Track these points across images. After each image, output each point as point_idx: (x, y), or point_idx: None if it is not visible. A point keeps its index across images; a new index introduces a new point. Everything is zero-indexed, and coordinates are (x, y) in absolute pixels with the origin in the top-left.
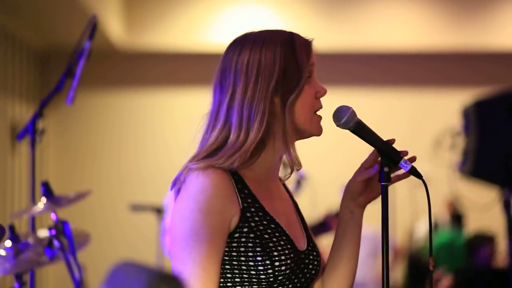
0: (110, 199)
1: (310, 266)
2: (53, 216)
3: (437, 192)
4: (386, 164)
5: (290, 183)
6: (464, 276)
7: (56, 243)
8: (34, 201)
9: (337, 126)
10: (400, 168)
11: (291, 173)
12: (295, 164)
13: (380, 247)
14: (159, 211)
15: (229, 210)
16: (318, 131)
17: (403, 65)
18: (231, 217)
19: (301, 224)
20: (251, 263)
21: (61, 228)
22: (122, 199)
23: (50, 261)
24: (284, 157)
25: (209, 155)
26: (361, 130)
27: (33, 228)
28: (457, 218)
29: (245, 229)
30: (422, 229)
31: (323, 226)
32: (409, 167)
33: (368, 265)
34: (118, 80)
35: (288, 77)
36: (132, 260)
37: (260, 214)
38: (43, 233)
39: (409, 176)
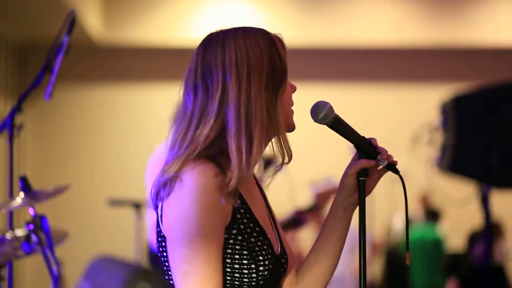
0: (89, 194)
1: (281, 269)
2: (31, 211)
3: (415, 187)
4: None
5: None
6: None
7: (34, 237)
8: (12, 195)
9: (315, 121)
10: (378, 164)
11: (281, 166)
12: (288, 156)
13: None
14: (137, 206)
15: (226, 209)
16: (293, 127)
17: (383, 60)
18: (227, 216)
19: (272, 224)
20: (237, 266)
21: (39, 223)
22: (100, 194)
23: (28, 255)
24: (275, 149)
25: (203, 151)
26: (339, 126)
27: (11, 223)
28: (431, 213)
29: (234, 231)
30: (399, 224)
31: (295, 221)
32: (386, 162)
33: (346, 260)
34: (98, 75)
35: (275, 70)
36: (110, 255)
37: (248, 216)
38: (21, 229)
39: (387, 171)
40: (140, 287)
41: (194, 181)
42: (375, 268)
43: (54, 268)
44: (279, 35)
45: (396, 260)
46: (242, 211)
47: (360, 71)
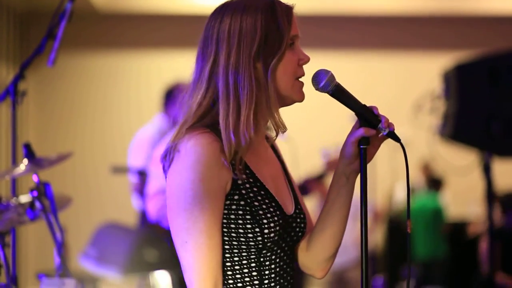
0: (92, 161)
1: (297, 229)
2: (34, 177)
3: (417, 156)
4: (364, 127)
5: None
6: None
7: (38, 204)
8: (15, 163)
9: (316, 89)
10: (379, 132)
11: (276, 136)
12: (280, 128)
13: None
14: (140, 173)
15: (224, 177)
16: (300, 97)
17: (384, 28)
18: (225, 183)
19: (288, 186)
20: (241, 230)
21: (42, 190)
22: (103, 160)
23: (32, 222)
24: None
25: (199, 121)
26: (340, 94)
27: (15, 190)
28: (433, 182)
29: (236, 197)
30: (400, 192)
31: (302, 189)
32: (386, 130)
33: (349, 227)
34: (101, 42)
35: (269, 43)
36: (116, 222)
37: (251, 180)
38: (25, 195)
39: (387, 139)
40: (146, 252)
41: (189, 151)
42: (377, 237)
43: (58, 234)
44: (290, 5)
45: (398, 229)
46: (244, 176)
47: (361, 40)
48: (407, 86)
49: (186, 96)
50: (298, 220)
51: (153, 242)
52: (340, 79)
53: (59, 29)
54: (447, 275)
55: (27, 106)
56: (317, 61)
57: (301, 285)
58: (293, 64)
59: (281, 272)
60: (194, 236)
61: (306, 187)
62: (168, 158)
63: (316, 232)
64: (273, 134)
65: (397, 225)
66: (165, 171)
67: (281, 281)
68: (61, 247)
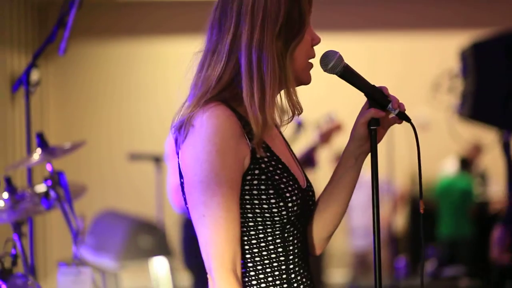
0: (110, 148)
1: (310, 202)
2: (48, 167)
3: (435, 135)
4: (373, 107)
5: (288, 130)
6: None
7: (52, 193)
8: (30, 152)
9: (324, 71)
10: (389, 112)
11: (292, 117)
12: (296, 109)
13: (384, 192)
14: (157, 160)
15: (242, 150)
16: (308, 80)
17: (401, 6)
18: (243, 157)
19: (296, 162)
20: (265, 206)
21: (56, 179)
22: (121, 148)
23: (47, 211)
24: (283, 102)
25: (217, 94)
26: (349, 75)
27: (30, 179)
28: (462, 162)
29: (257, 171)
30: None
31: (309, 162)
32: (396, 111)
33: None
34: (118, 29)
35: (291, 22)
36: (113, 209)
37: (268, 154)
38: (41, 185)
39: (399, 120)
40: (141, 239)
41: (204, 124)
42: (400, 218)
43: (73, 223)
44: None
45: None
46: (261, 150)
47: (379, 19)
48: (425, 66)
49: (198, 66)
50: (310, 193)
51: (147, 229)
52: (355, 61)
53: (69, 18)
54: (471, 255)
55: (46, 95)
56: (329, 42)
57: (322, 267)
58: (307, 44)
59: (302, 247)
60: (211, 209)
61: (312, 159)
62: (182, 131)
63: (318, 211)
64: (289, 115)
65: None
66: (177, 145)
67: (302, 255)
68: (77, 235)
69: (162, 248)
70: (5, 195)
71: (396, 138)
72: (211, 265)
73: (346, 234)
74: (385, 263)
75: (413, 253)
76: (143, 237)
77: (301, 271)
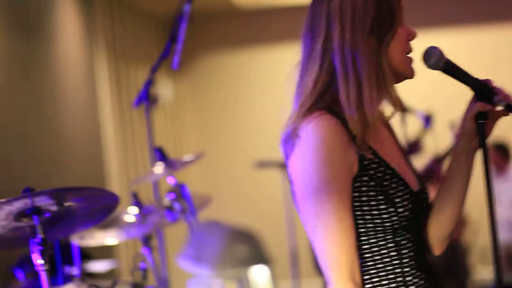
0: (238, 157)
1: (423, 205)
2: (170, 180)
3: None
4: (480, 101)
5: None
6: None
7: (176, 206)
8: (153, 166)
9: (427, 67)
10: (496, 105)
11: (394, 114)
12: (397, 105)
13: None
14: (284, 167)
15: (349, 158)
16: (411, 73)
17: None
18: (351, 165)
19: (408, 163)
20: (375, 212)
21: (179, 191)
22: (248, 156)
23: (172, 223)
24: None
25: (317, 101)
26: (451, 70)
27: (156, 193)
28: None
29: (365, 178)
30: None
31: (429, 173)
32: (503, 103)
33: None
34: (244, 38)
35: (382, 18)
36: (212, 219)
37: (376, 160)
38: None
39: (506, 112)
40: (237, 249)
41: (310, 134)
42: None
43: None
44: None
45: None
46: (369, 156)
47: (481, 13)
48: None
49: (298, 76)
50: (423, 196)
51: (243, 238)
52: (462, 56)
53: (179, 32)
54: None
55: (184, 108)
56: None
57: (467, 264)
58: (403, 39)
59: (418, 251)
60: (323, 219)
61: (434, 170)
62: (290, 142)
63: (435, 210)
64: (392, 111)
65: None
66: (287, 156)
67: (418, 258)
68: None
69: (258, 257)
70: (134, 209)
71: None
72: (329, 276)
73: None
74: None
75: None
76: (239, 246)
77: (418, 273)
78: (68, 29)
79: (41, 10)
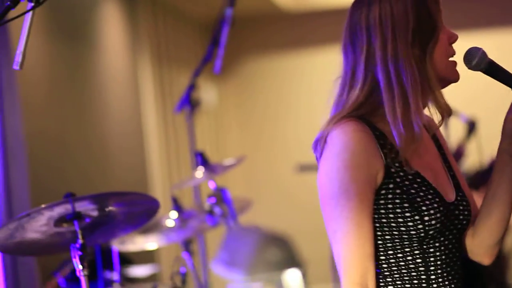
0: (281, 160)
1: (461, 217)
2: (211, 184)
3: None
4: None
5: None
6: None
7: (217, 210)
8: (194, 171)
9: (469, 68)
10: None
11: (442, 121)
12: (445, 111)
13: None
14: None
15: (374, 165)
16: (456, 77)
17: None
18: (376, 172)
19: (448, 173)
20: (400, 220)
21: (220, 196)
22: (290, 159)
23: (213, 227)
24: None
25: (352, 112)
26: (494, 71)
27: (198, 197)
28: None
29: (391, 185)
30: None
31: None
32: None
33: None
34: (287, 42)
35: (422, 26)
36: (245, 224)
37: (405, 168)
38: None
39: None
40: (269, 253)
41: (335, 140)
42: None
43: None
44: None
45: None
46: (396, 164)
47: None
48: None
49: (338, 89)
50: (461, 207)
51: (275, 242)
52: (498, 57)
53: (221, 36)
54: None
55: (226, 113)
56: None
57: (506, 271)
58: (445, 44)
59: (447, 260)
60: (342, 224)
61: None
62: (319, 149)
63: (482, 216)
64: (439, 119)
65: None
66: (318, 161)
67: (448, 269)
68: None
69: (291, 261)
70: (174, 214)
71: None
72: (342, 280)
73: None
74: None
75: None
76: (271, 250)
77: (446, 282)
78: (113, 35)
79: (86, 16)
